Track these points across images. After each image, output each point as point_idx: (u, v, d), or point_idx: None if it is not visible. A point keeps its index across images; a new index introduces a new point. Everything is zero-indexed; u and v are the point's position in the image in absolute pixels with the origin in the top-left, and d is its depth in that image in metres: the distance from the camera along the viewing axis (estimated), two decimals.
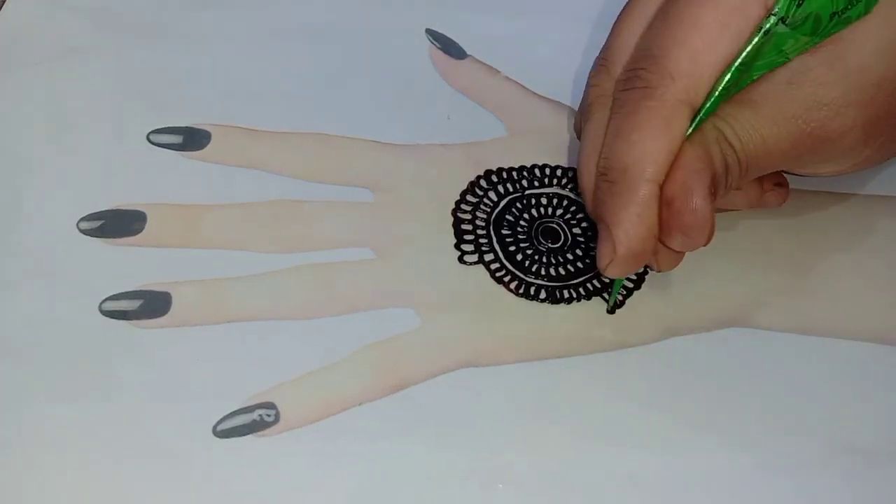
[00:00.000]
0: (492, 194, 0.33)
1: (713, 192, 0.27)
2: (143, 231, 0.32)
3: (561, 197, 0.33)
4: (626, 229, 0.27)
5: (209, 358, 0.29)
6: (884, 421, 0.29)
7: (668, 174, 0.27)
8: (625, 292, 0.31)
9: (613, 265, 0.28)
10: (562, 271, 0.32)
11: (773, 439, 0.29)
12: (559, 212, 0.33)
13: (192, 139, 0.34)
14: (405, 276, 0.31)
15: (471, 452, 0.28)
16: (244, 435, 0.28)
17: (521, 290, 0.31)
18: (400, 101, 0.35)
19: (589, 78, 0.30)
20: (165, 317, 0.30)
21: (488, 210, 0.33)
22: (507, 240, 0.32)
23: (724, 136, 0.28)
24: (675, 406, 0.29)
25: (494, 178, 0.34)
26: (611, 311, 0.31)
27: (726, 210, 0.32)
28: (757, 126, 0.28)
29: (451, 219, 0.33)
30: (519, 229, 0.33)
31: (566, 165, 0.34)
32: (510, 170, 0.34)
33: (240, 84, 0.35)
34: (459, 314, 0.31)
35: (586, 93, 0.30)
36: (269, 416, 0.28)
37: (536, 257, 0.32)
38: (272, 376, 0.29)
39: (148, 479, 0.27)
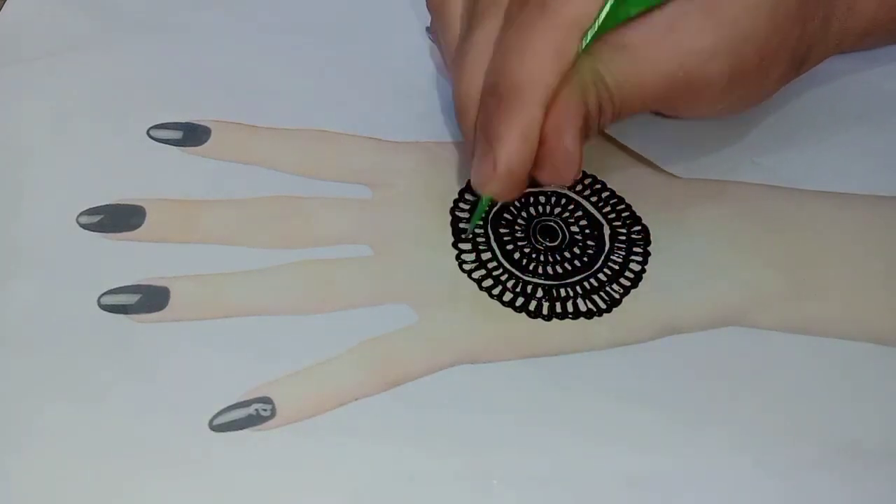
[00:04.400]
0: None
1: (585, 133, 0.28)
2: (143, 226, 0.32)
3: (559, 195, 0.33)
4: (510, 149, 0.27)
5: (207, 352, 0.29)
6: (884, 421, 0.29)
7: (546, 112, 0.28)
8: (622, 291, 0.31)
9: (492, 183, 0.28)
10: (559, 269, 0.32)
11: (771, 439, 0.29)
12: (557, 210, 0.33)
13: (192, 135, 0.34)
14: (403, 273, 0.31)
15: (466, 449, 0.28)
16: (240, 429, 0.28)
17: (518, 289, 0.31)
18: (399, 98, 0.35)
19: None
20: (164, 311, 0.30)
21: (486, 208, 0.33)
22: (505, 238, 0.32)
23: (603, 79, 0.29)
24: (673, 405, 0.29)
25: None
26: (465, 238, 0.31)
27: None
28: (634, 70, 0.29)
29: (450, 217, 0.33)
30: (517, 227, 0.33)
31: None
32: None
33: (240, 80, 0.36)
34: (456, 311, 0.31)
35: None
36: (265, 410, 0.28)
37: (534, 256, 0.32)
38: (269, 371, 0.29)
39: (144, 472, 0.27)
